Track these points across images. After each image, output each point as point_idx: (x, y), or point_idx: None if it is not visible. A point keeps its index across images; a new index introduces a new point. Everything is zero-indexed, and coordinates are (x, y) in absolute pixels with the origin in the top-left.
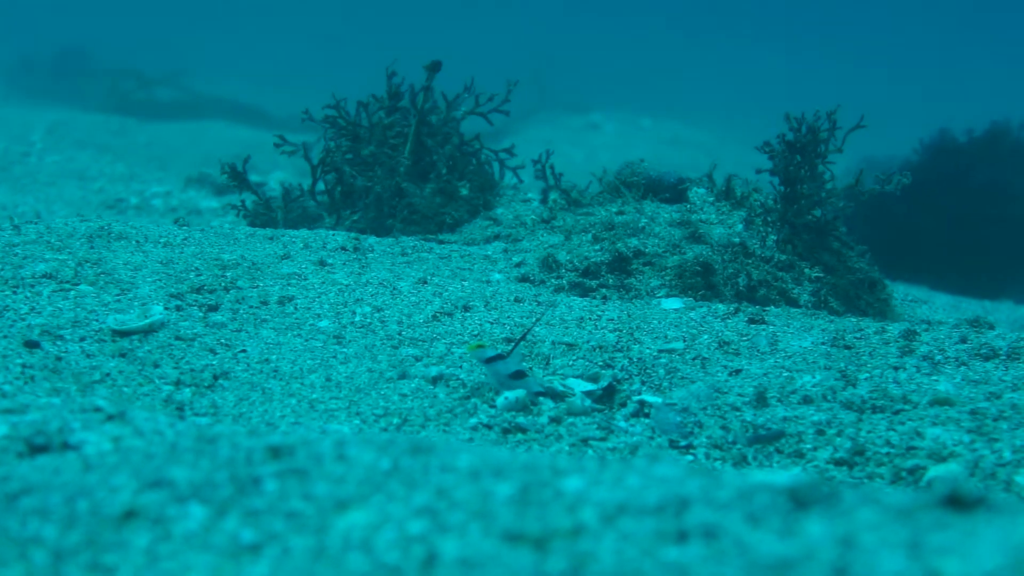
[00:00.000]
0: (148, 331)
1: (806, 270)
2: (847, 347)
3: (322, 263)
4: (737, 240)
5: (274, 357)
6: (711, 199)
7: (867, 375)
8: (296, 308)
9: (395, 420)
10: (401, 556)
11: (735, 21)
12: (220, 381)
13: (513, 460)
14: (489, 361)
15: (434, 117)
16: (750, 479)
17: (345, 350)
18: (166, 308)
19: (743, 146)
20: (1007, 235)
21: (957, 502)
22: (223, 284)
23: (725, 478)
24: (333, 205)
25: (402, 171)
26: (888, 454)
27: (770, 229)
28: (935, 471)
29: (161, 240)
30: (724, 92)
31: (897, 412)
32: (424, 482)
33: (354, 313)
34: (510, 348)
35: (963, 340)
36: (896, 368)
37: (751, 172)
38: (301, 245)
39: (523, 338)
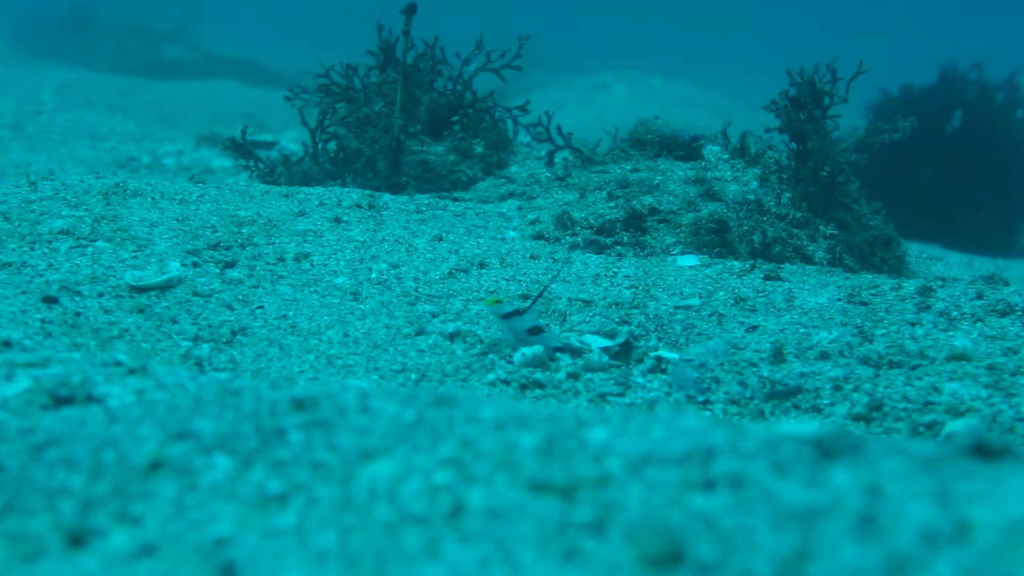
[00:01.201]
0: (166, 287)
1: (821, 227)
2: (863, 303)
3: (337, 220)
4: (752, 197)
5: (291, 313)
6: (726, 157)
7: (884, 331)
8: (312, 265)
9: (413, 376)
10: (427, 506)
11: None
12: (238, 337)
13: (537, 412)
14: (506, 317)
15: (427, 63)
16: (775, 430)
17: (362, 306)
18: (183, 264)
19: (754, 106)
20: (998, 181)
21: (983, 451)
22: (239, 241)
23: (750, 429)
24: (336, 169)
25: (396, 128)
26: (905, 409)
27: (785, 186)
28: (953, 426)
29: (177, 197)
30: (735, 52)
31: (914, 367)
32: (449, 433)
33: (370, 270)
34: (527, 304)
35: (979, 296)
36: (913, 324)
37: (763, 131)
38: (316, 202)
39: (540, 295)
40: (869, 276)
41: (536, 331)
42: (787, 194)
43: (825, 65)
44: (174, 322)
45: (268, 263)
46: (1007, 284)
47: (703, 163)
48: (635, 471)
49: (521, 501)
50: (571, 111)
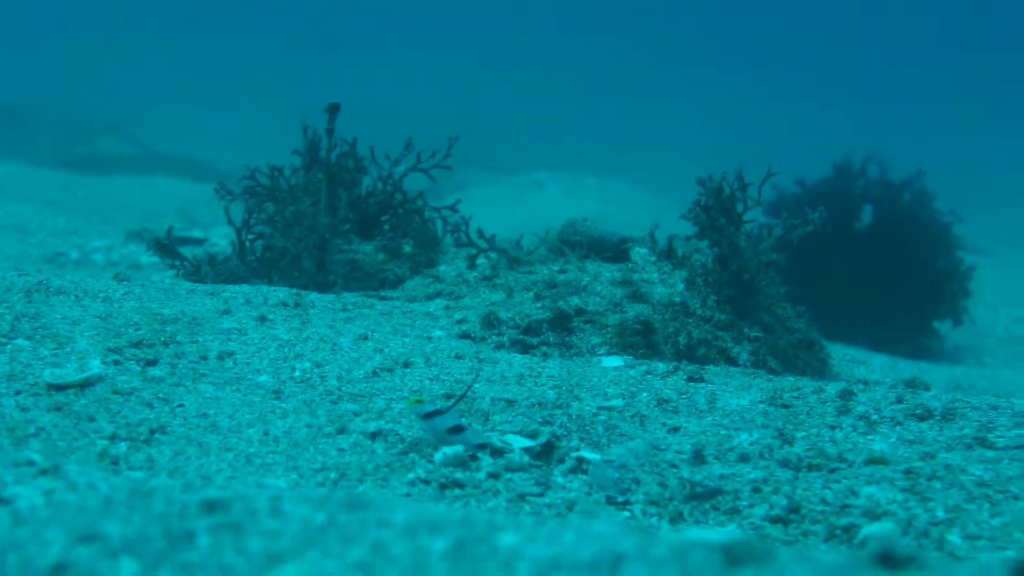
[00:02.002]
0: (84, 385)
1: (745, 329)
2: (785, 406)
3: (263, 319)
4: (678, 299)
5: (212, 411)
6: (653, 259)
7: (804, 434)
8: (235, 363)
9: (332, 475)
10: None
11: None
12: (157, 435)
13: (449, 515)
14: (427, 416)
15: (351, 162)
16: (686, 536)
17: (284, 405)
18: (104, 362)
19: (684, 205)
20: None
21: (889, 560)
22: (162, 339)
23: (661, 535)
24: (263, 267)
25: (321, 227)
26: (823, 512)
27: (710, 289)
28: (869, 529)
29: (100, 295)
30: (669, 153)
31: (833, 470)
32: (360, 537)
33: (293, 368)
34: (449, 404)
35: (899, 400)
36: (833, 427)
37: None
38: (242, 300)
39: (463, 395)
40: (791, 379)
41: (457, 430)
42: (712, 297)
43: (733, 173)
44: (92, 420)
45: (191, 361)
46: (927, 388)
47: (630, 265)
48: None
49: None
50: (506, 209)
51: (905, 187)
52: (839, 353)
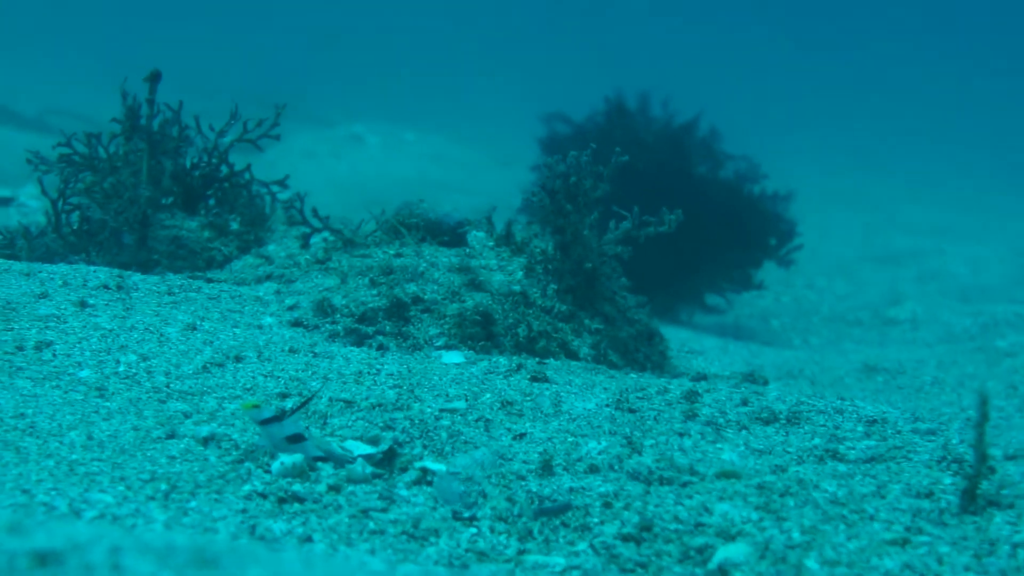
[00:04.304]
0: None
1: (586, 321)
2: (632, 410)
3: (83, 304)
4: (518, 288)
5: (30, 411)
6: (491, 244)
7: (653, 441)
8: (55, 355)
9: (163, 486)
10: None
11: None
12: None
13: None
14: (265, 423)
15: (175, 130)
16: None
17: (108, 404)
18: None
19: (505, 163)
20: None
21: None
22: None
23: None
24: (80, 242)
25: (143, 200)
26: (676, 531)
27: (551, 277)
28: (724, 552)
29: None
30: (485, 108)
31: (684, 484)
32: None
33: (118, 362)
34: (289, 410)
35: (744, 403)
36: (681, 435)
37: (512, 190)
38: (60, 282)
39: (303, 405)
40: (634, 376)
41: (296, 439)
42: (552, 286)
43: (578, 157)
44: None
45: (6, 352)
46: (766, 382)
47: (468, 250)
48: None
49: None
50: (324, 163)
51: (688, 130)
52: (676, 344)
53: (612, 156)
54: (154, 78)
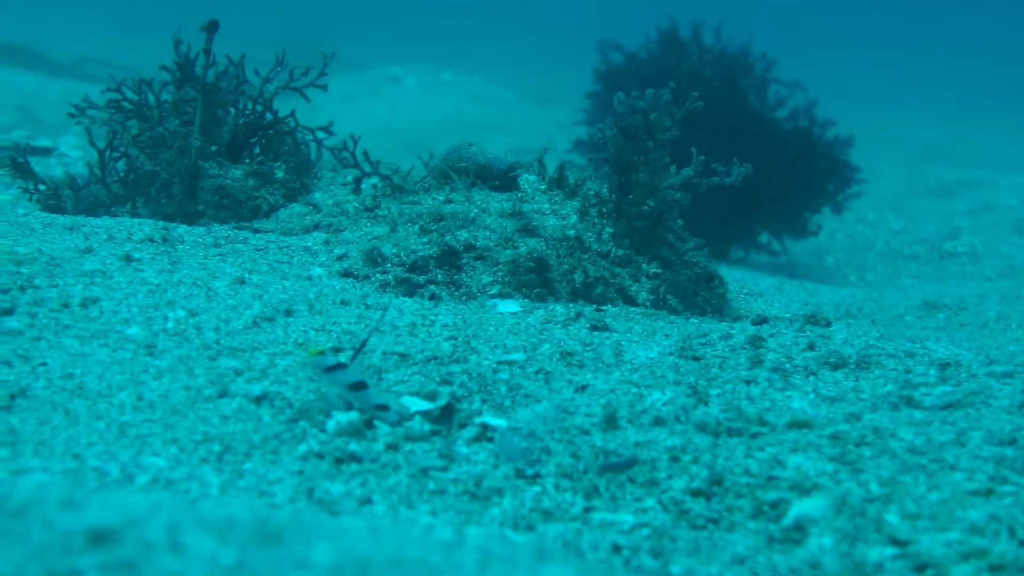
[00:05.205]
0: None
1: (644, 265)
2: (695, 358)
3: (128, 258)
4: (572, 233)
5: (78, 371)
6: (543, 187)
7: (719, 390)
8: (102, 311)
9: (216, 447)
10: None
11: None
12: (18, 400)
13: (379, 552)
14: (329, 370)
15: (226, 82)
16: None
17: (157, 362)
18: None
19: (542, 104)
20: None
21: None
22: (19, 283)
23: None
24: (127, 193)
25: (194, 150)
26: (748, 484)
27: (606, 221)
28: (800, 506)
29: None
30: (522, 46)
31: (754, 436)
32: None
33: (166, 318)
34: (350, 357)
35: (811, 347)
36: (748, 382)
37: (552, 129)
38: (104, 236)
39: (361, 348)
40: (695, 321)
41: (360, 386)
42: (608, 229)
43: (658, 94)
44: None
45: (52, 309)
46: (829, 323)
47: (520, 194)
48: None
49: None
50: (362, 105)
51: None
52: (735, 287)
53: (687, 101)
54: (212, 27)
